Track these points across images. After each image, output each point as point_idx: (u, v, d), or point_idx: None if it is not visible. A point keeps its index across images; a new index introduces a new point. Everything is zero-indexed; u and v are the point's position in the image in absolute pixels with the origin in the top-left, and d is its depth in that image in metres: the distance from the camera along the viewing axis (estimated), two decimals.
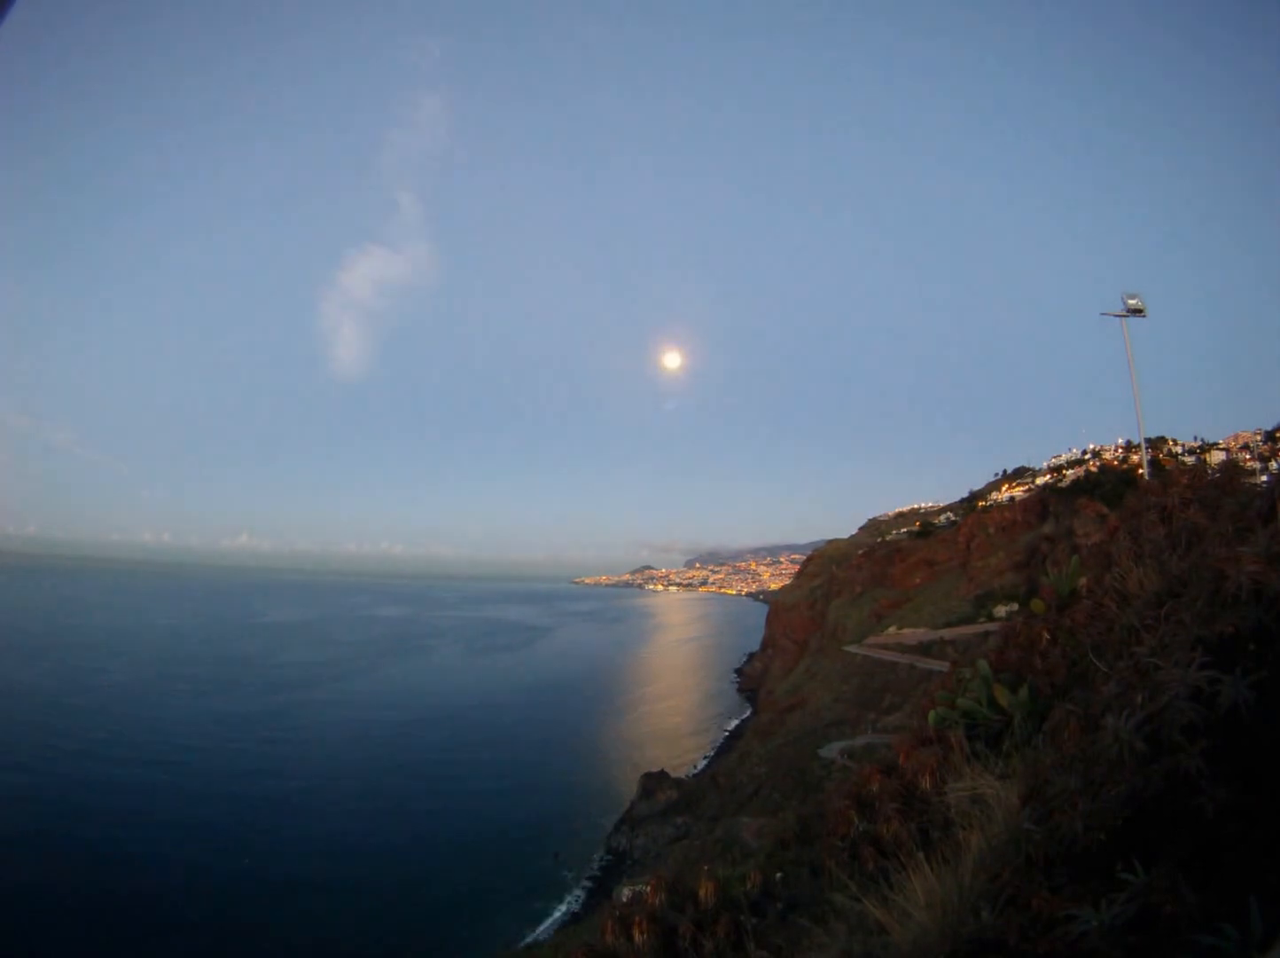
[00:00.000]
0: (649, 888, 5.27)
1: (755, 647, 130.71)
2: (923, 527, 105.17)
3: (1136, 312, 19.74)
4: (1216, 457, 73.50)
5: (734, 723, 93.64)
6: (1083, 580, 4.99)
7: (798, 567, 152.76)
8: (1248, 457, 78.43)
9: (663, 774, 63.07)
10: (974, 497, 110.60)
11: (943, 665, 54.13)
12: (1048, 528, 76.76)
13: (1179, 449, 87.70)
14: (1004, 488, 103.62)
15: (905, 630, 78.19)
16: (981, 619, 70.42)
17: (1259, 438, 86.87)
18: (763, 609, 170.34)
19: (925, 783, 4.34)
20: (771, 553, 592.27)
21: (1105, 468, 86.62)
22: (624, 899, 5.69)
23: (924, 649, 68.85)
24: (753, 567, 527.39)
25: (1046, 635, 4.69)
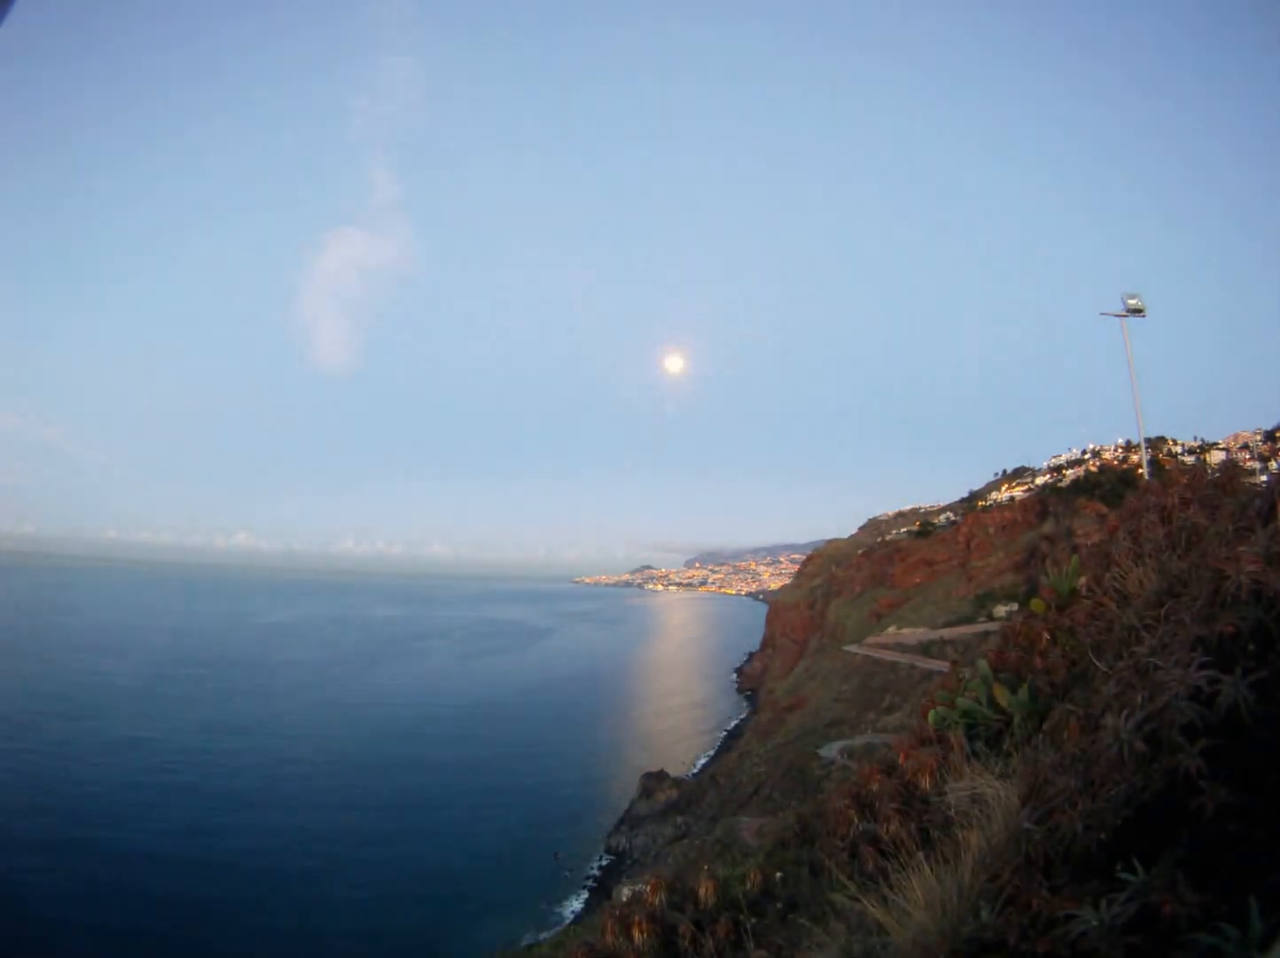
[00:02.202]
0: (649, 888, 5.27)
1: (755, 647, 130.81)
2: (922, 526, 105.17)
3: (1136, 312, 19.76)
4: (1216, 457, 73.56)
5: (734, 723, 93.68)
6: (1082, 580, 4.99)
7: (798, 567, 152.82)
8: (1247, 457, 78.43)
9: (662, 774, 63.12)
10: (974, 496, 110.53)
11: (943, 665, 54.20)
12: (1048, 528, 76.81)
13: (1179, 449, 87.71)
14: (1004, 488, 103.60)
15: (905, 630, 78.23)
16: (981, 619, 70.46)
17: (1259, 438, 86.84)
18: (763, 609, 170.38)
19: (925, 783, 4.34)
20: (771, 553, 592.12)
21: (1105, 468, 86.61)
22: (624, 899, 5.69)
23: (924, 649, 68.87)
24: (753, 567, 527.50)
25: (1046, 635, 4.69)
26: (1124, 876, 1.82)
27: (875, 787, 4.70)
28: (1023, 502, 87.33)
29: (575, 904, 44.74)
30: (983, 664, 5.03)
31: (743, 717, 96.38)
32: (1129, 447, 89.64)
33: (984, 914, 2.15)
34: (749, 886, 5.43)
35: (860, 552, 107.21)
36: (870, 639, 79.61)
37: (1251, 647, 2.02)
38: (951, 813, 3.58)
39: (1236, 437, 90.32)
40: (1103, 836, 1.95)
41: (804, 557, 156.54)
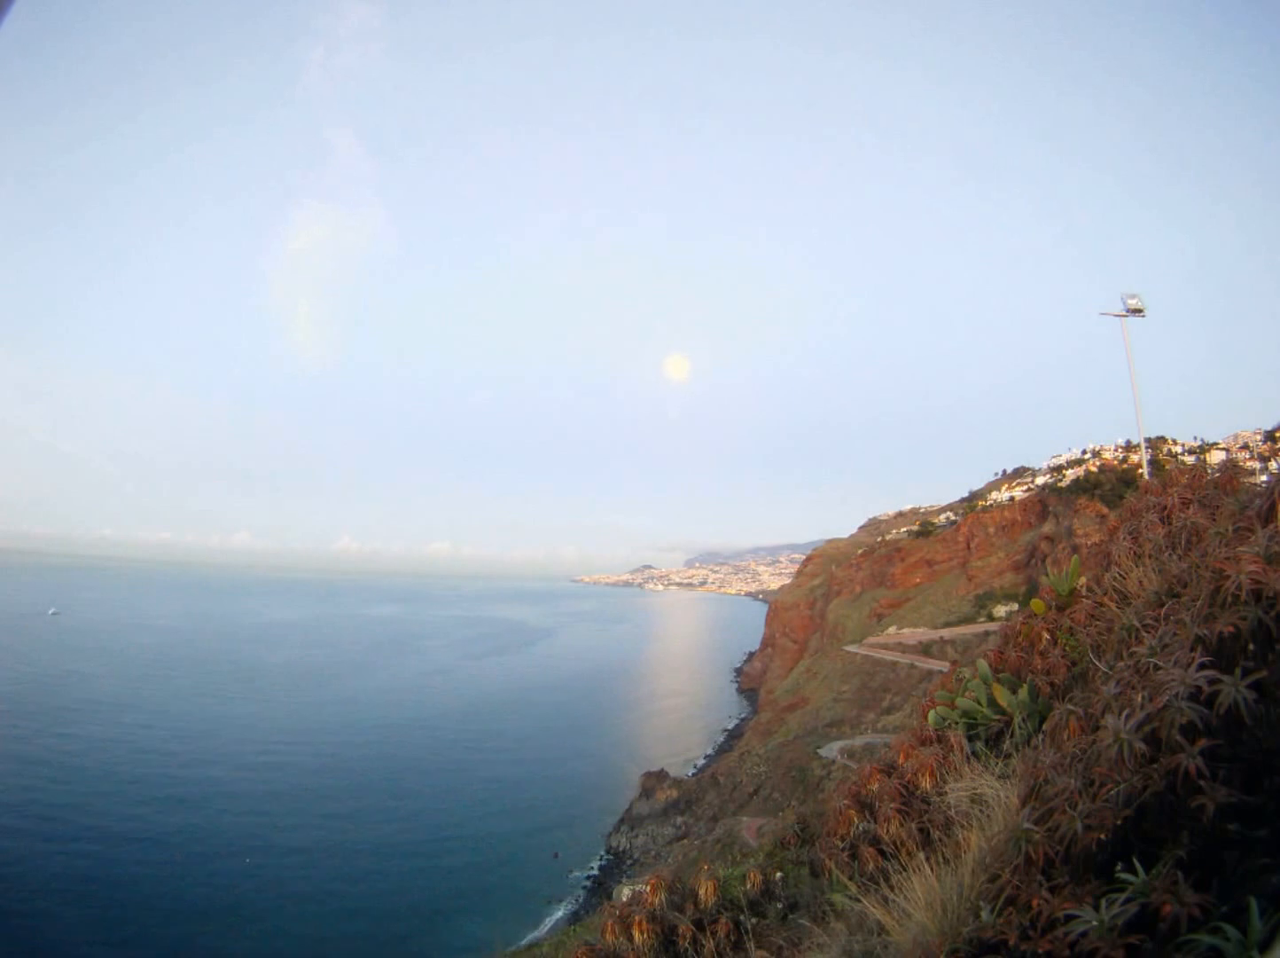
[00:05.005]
0: (649, 888, 5.27)
1: (755, 646, 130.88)
2: (923, 526, 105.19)
3: (1136, 311, 19.79)
4: (1216, 457, 73.55)
5: (734, 722, 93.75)
6: (1082, 580, 4.99)
7: (798, 567, 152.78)
8: (1247, 457, 78.46)
9: (663, 774, 63.17)
10: (974, 496, 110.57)
11: (943, 665, 54.26)
12: (1048, 528, 76.87)
13: (1179, 449, 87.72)
14: (1004, 488, 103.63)
15: (905, 630, 78.29)
16: (981, 619, 70.59)
17: (1259, 438, 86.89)
18: (763, 609, 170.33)
19: (925, 783, 4.34)
20: (771, 553, 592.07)
21: (1105, 468, 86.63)
22: (624, 899, 5.69)
23: (924, 649, 68.95)
24: (753, 567, 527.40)
25: (1046, 635, 4.69)
26: (1124, 876, 1.82)
27: (875, 787, 4.70)
28: (1023, 502, 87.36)
29: (575, 904, 44.75)
30: (983, 664, 5.03)
31: (743, 717, 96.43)
32: (1129, 447, 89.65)
33: (984, 914, 2.15)
34: (749, 886, 5.43)
35: (860, 552, 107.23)
36: (870, 639, 79.66)
37: (1251, 647, 2.03)
38: (951, 813, 3.59)
39: (1236, 437, 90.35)
40: (1103, 836, 1.95)
41: (804, 557, 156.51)
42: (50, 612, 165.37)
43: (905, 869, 3.05)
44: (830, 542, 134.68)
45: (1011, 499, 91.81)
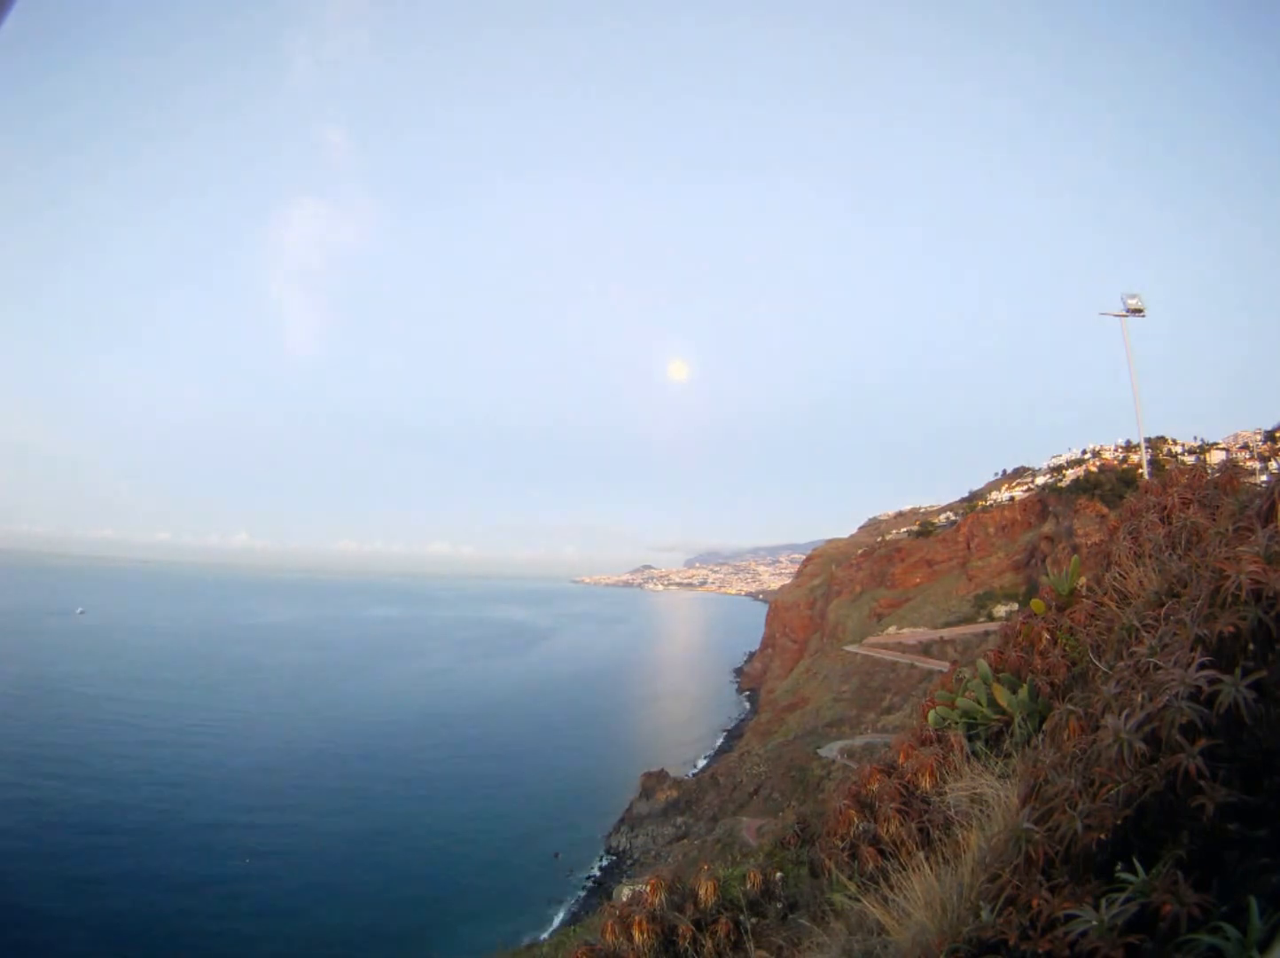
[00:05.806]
0: (649, 888, 5.27)
1: (755, 647, 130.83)
2: (923, 526, 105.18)
3: (1136, 311, 19.81)
4: (1216, 457, 73.56)
5: (734, 722, 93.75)
6: (1082, 580, 4.99)
7: (798, 567, 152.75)
8: (1248, 457, 78.48)
9: (663, 774, 63.17)
10: (974, 496, 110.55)
11: (943, 666, 54.28)
12: (1048, 528, 76.89)
13: (1179, 449, 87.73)
14: (1004, 488, 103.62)
15: (905, 630, 78.30)
16: (981, 619, 70.61)
17: (1259, 438, 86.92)
18: (763, 609, 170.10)
19: (925, 783, 4.34)
20: (771, 553, 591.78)
21: (1105, 468, 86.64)
22: (624, 899, 5.69)
23: (924, 649, 68.97)
24: (753, 567, 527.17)
25: (1046, 635, 4.70)
26: (1124, 876, 1.82)
27: (875, 787, 4.70)
28: (1023, 502, 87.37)
29: (575, 904, 44.75)
30: (983, 664, 5.03)
31: (743, 717, 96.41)
32: (1129, 447, 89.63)
33: (984, 914, 2.15)
34: (749, 886, 5.43)
35: (860, 552, 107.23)
36: (870, 639, 79.67)
37: (1251, 647, 2.03)
38: (951, 813, 3.59)
39: (1236, 437, 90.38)
40: (1103, 836, 1.95)
41: (804, 557, 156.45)
42: (78, 611, 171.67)
43: (905, 869, 3.05)
44: (830, 542, 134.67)
45: (1011, 499, 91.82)
